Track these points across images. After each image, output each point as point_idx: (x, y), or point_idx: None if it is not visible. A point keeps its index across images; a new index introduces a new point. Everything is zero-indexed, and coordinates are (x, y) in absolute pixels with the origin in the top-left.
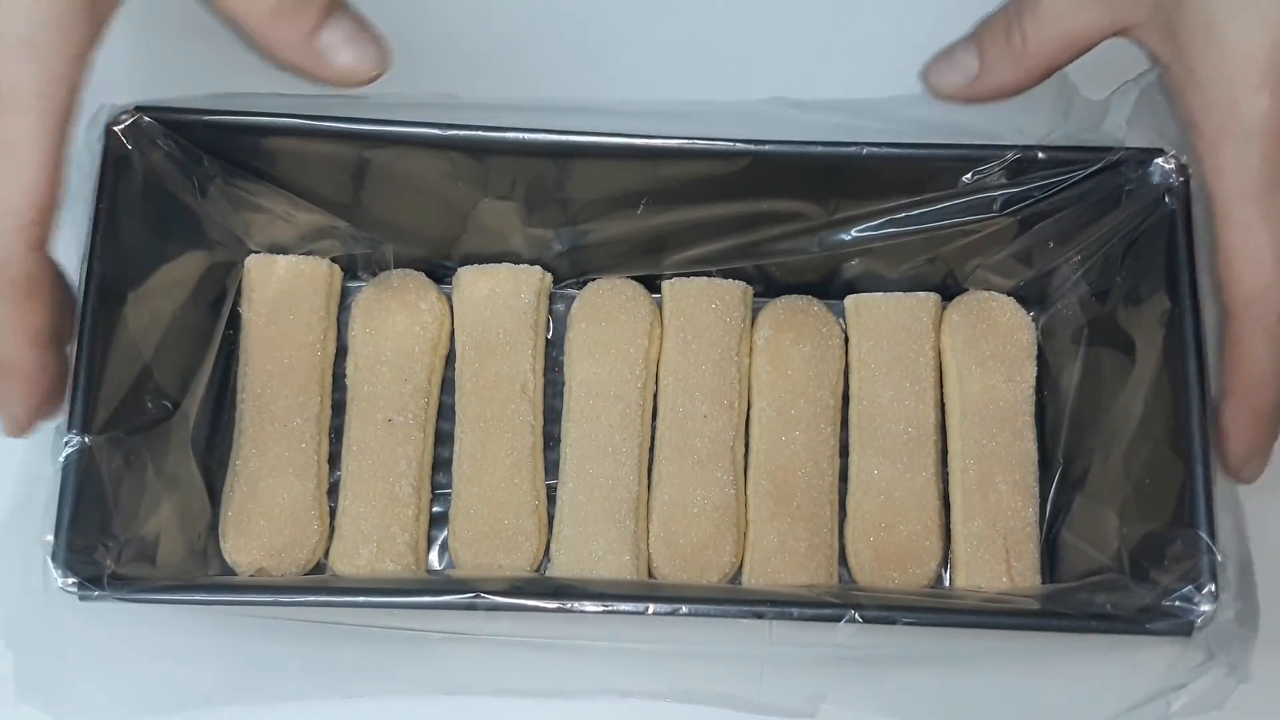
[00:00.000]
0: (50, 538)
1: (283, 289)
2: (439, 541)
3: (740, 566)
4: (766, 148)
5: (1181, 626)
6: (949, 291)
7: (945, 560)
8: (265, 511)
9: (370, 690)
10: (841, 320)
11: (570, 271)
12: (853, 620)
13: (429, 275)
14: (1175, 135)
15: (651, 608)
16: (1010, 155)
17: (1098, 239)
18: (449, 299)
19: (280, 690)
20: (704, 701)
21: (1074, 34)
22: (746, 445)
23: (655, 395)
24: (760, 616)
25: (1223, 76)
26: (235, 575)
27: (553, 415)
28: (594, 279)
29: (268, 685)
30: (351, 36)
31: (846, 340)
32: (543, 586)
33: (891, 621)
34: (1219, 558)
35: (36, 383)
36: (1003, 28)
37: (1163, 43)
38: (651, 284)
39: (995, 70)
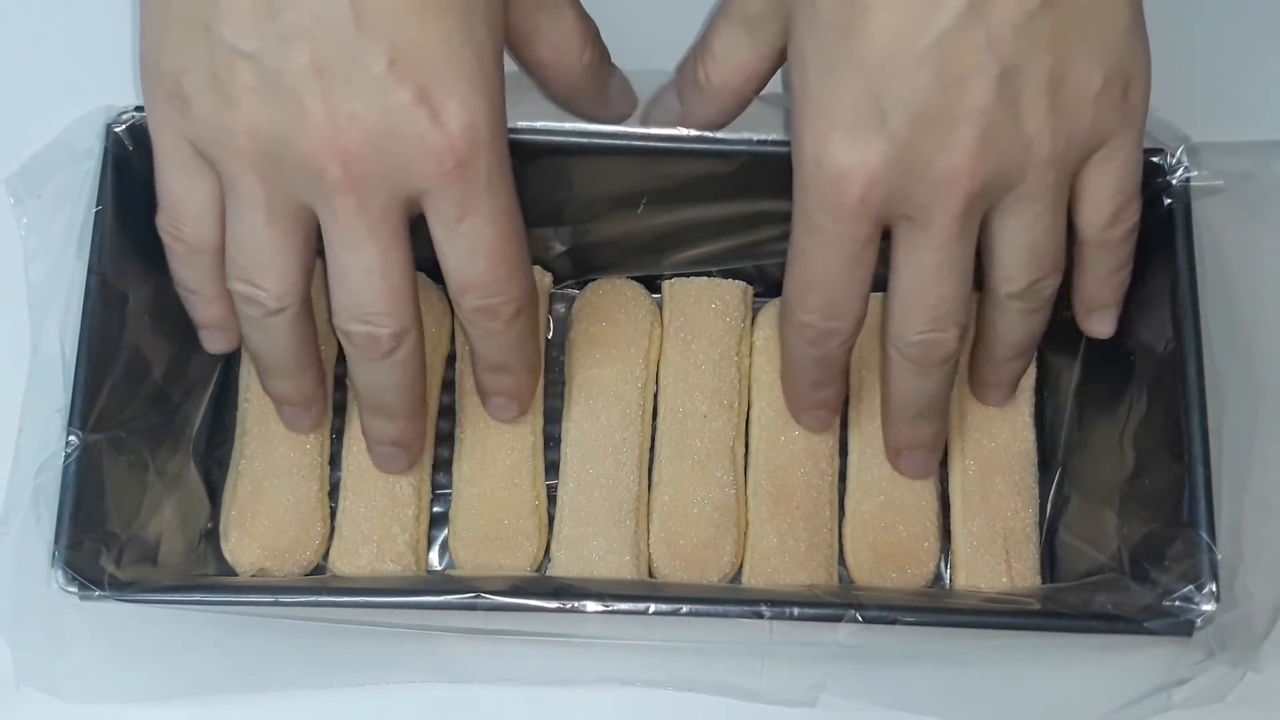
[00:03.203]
0: (51, 538)
1: None
2: (439, 541)
3: (740, 566)
4: (767, 148)
5: (1181, 626)
6: None
7: (945, 560)
8: (270, 512)
9: (372, 679)
10: None
11: (570, 271)
12: (853, 620)
13: (429, 275)
14: (1175, 135)
15: (652, 607)
16: None
17: None
18: (449, 299)
19: (282, 679)
20: (705, 691)
21: (745, 66)
22: (746, 445)
23: (655, 395)
24: (760, 616)
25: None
26: (235, 575)
27: (553, 415)
28: (594, 279)
29: (269, 675)
30: (623, 87)
31: None
32: (543, 586)
33: (892, 621)
34: (1219, 557)
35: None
36: (691, 71)
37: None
38: (651, 284)
39: (693, 108)
